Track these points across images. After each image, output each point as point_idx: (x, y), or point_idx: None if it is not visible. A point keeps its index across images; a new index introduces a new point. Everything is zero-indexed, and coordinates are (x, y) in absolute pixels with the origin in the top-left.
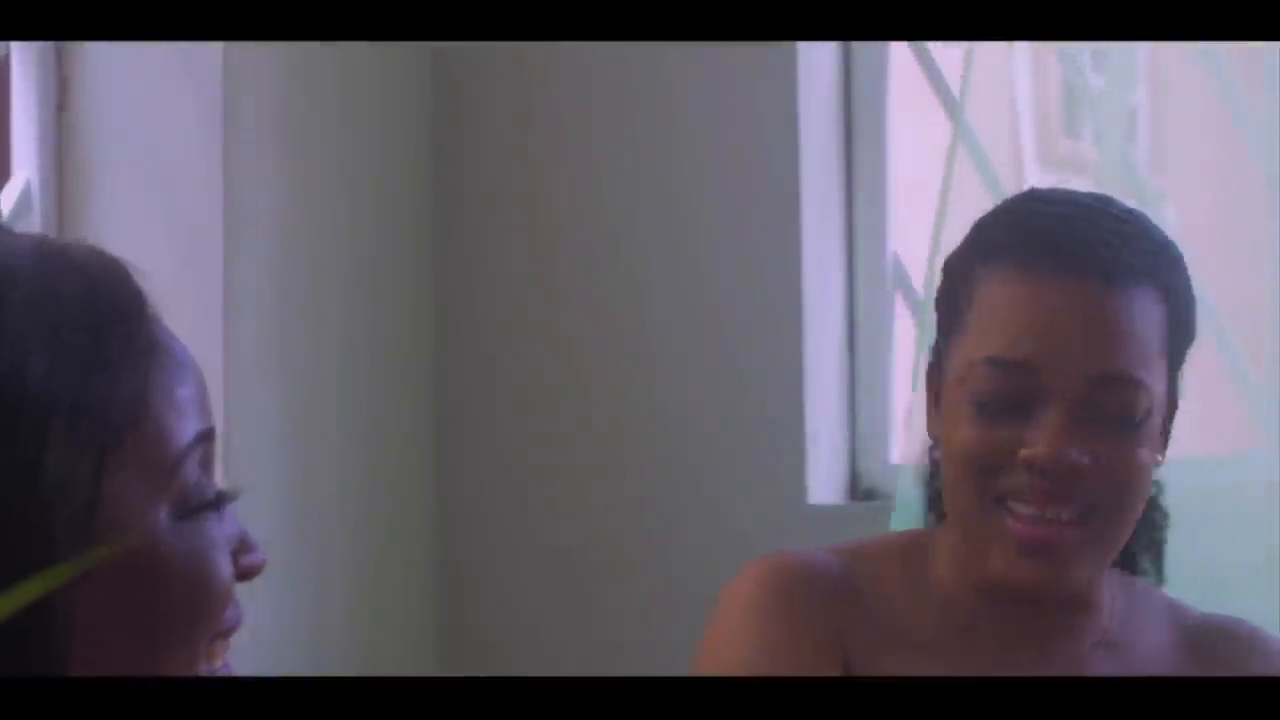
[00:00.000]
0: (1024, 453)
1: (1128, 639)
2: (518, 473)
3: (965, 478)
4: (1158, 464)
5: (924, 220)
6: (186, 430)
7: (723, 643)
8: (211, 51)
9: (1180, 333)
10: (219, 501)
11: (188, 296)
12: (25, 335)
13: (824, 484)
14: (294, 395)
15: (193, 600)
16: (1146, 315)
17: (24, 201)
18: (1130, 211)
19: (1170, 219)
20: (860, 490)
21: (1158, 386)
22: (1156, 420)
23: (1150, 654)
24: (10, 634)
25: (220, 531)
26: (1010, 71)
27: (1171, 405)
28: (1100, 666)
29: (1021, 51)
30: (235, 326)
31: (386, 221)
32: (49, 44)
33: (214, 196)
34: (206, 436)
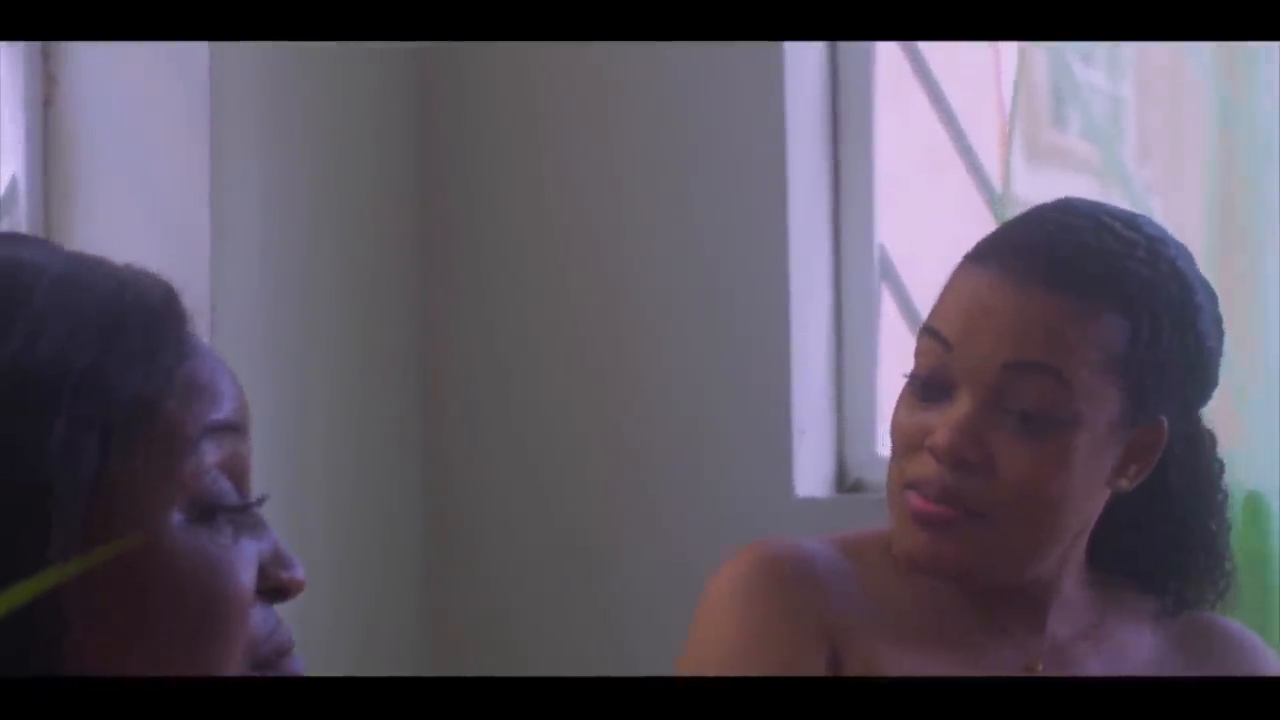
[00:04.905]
0: (928, 439)
1: (1107, 635)
2: (505, 470)
3: (891, 459)
4: (1121, 490)
5: (911, 213)
6: (202, 431)
7: (711, 626)
8: (198, 50)
9: (1159, 360)
10: (239, 507)
11: None
12: (45, 312)
13: (811, 477)
14: (281, 396)
15: (201, 608)
16: (1088, 325)
17: (9, 198)
18: (1136, 234)
19: (1158, 211)
20: (847, 483)
21: (1090, 399)
22: (1092, 437)
23: (1131, 652)
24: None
25: (249, 543)
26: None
27: (1148, 434)
28: (1079, 662)
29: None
30: (222, 326)
31: (375, 221)
32: (35, 41)
33: (201, 195)
34: (228, 439)
